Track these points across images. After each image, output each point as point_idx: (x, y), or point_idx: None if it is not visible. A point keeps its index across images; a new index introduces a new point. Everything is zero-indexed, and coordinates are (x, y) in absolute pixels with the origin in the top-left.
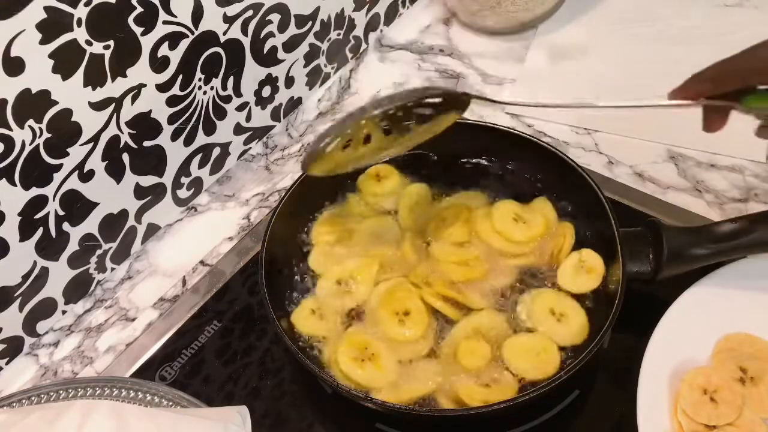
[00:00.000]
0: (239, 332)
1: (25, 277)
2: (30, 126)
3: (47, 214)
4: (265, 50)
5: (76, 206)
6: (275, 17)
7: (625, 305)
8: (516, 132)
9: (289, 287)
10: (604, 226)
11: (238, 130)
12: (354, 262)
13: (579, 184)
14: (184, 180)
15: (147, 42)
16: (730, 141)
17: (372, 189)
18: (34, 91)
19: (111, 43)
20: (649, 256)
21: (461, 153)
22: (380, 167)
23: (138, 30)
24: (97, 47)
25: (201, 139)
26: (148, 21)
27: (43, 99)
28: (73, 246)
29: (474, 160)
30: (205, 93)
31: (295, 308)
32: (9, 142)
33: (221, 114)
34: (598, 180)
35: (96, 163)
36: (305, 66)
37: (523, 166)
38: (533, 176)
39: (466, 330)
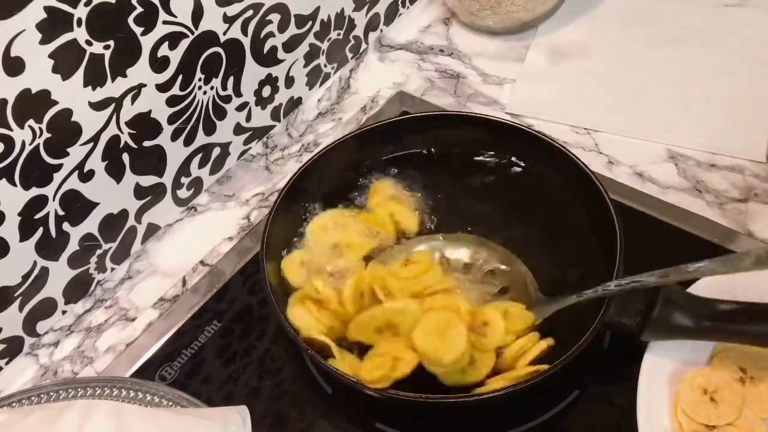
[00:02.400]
0: (239, 332)
1: (25, 277)
2: (30, 126)
3: (47, 214)
4: (265, 50)
5: (76, 206)
6: (275, 17)
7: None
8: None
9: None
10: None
11: (238, 130)
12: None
13: (594, 202)
14: (184, 180)
15: (147, 42)
16: (730, 141)
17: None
18: (34, 91)
19: (111, 43)
20: (639, 312)
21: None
22: None
23: (138, 30)
24: (97, 47)
25: (201, 139)
26: (148, 21)
27: (43, 99)
28: (73, 246)
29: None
30: (205, 93)
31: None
32: (9, 142)
33: (221, 114)
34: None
35: (96, 163)
36: (305, 66)
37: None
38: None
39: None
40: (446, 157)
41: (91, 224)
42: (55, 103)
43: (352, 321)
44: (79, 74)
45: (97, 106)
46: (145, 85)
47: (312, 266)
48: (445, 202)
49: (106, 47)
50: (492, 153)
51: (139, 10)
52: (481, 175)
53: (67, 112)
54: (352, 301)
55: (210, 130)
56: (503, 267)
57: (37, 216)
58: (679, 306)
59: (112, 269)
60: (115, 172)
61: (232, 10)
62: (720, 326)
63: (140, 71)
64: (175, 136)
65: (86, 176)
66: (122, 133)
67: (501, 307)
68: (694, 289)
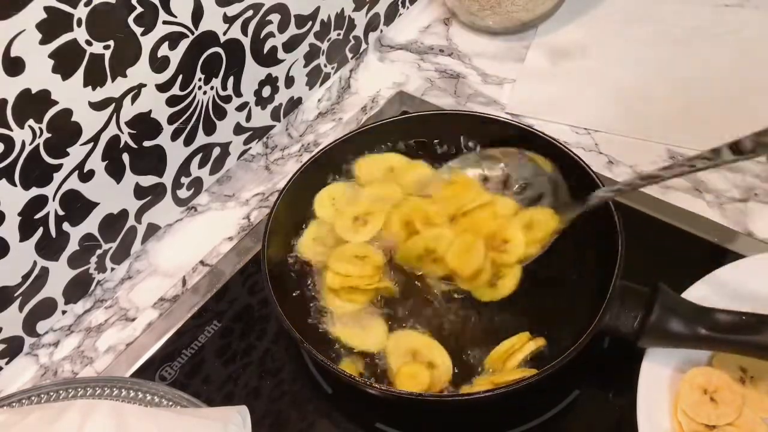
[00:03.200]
0: (239, 332)
1: (25, 277)
2: (30, 126)
3: (47, 214)
4: (265, 50)
5: (76, 206)
6: (275, 17)
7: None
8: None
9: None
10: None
11: (238, 130)
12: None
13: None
14: (184, 180)
15: (147, 42)
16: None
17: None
18: (34, 91)
19: (111, 43)
20: (635, 318)
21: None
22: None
23: (138, 30)
24: (97, 47)
25: (201, 139)
26: (148, 21)
27: (43, 99)
28: (73, 246)
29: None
30: (205, 93)
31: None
32: (9, 142)
33: (221, 114)
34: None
35: (96, 163)
36: (305, 66)
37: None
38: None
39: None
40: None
41: (91, 224)
42: (55, 103)
43: (399, 249)
44: (79, 74)
45: (97, 106)
46: (145, 85)
47: (330, 237)
48: None
49: (106, 47)
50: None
51: (139, 10)
52: None
53: (67, 112)
54: (392, 232)
55: (210, 130)
56: (537, 176)
57: (37, 216)
58: (677, 313)
59: (112, 269)
60: (115, 172)
61: (232, 10)
62: (718, 336)
63: (140, 71)
64: (175, 136)
65: (86, 176)
66: (122, 133)
67: (526, 216)
68: (694, 296)
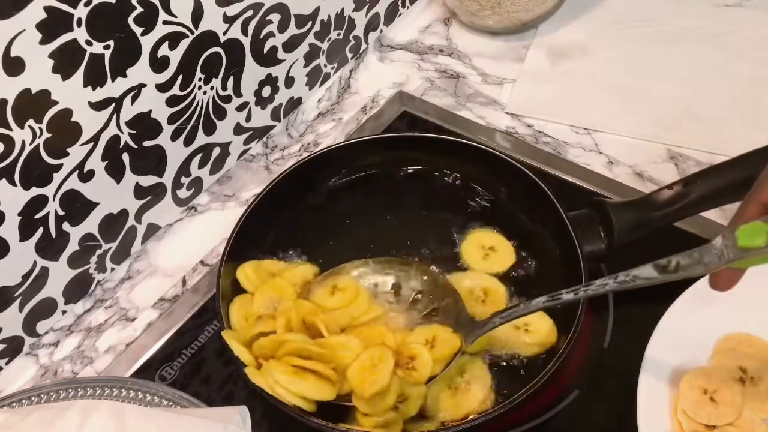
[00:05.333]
0: None
1: (25, 277)
2: (30, 126)
3: (47, 214)
4: (265, 50)
5: (76, 206)
6: (275, 17)
7: (625, 305)
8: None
9: None
10: (550, 212)
11: (238, 130)
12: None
13: (513, 174)
14: (184, 180)
15: (147, 42)
16: (730, 141)
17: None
18: (34, 91)
19: (111, 43)
20: (600, 235)
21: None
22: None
23: (138, 30)
24: (97, 47)
25: (201, 139)
26: (148, 21)
27: (43, 99)
28: (73, 246)
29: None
30: (205, 93)
31: None
32: (9, 142)
33: (221, 114)
34: (596, 180)
35: (96, 163)
36: (305, 66)
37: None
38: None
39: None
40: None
41: (91, 224)
42: (55, 103)
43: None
44: (79, 74)
45: (97, 106)
46: (145, 85)
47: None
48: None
49: (106, 47)
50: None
51: (139, 10)
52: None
53: (67, 112)
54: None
55: (210, 130)
56: (432, 288)
57: (37, 216)
58: (629, 213)
59: (112, 269)
60: (115, 172)
61: (232, 10)
62: (669, 210)
63: (140, 71)
64: (175, 136)
65: (86, 176)
66: (122, 133)
67: (429, 332)
68: (694, 296)
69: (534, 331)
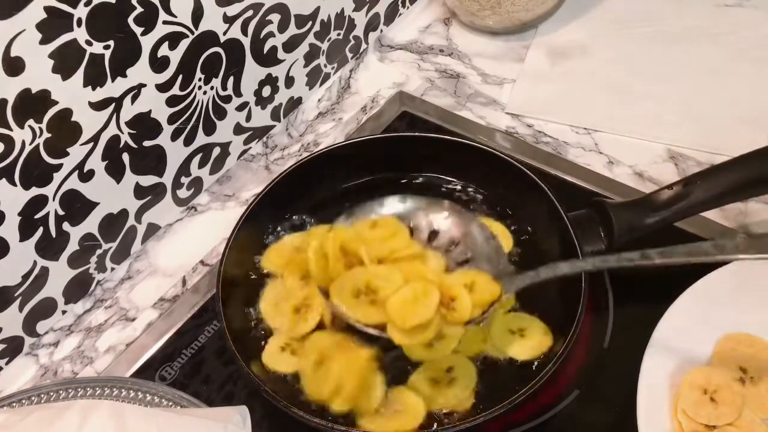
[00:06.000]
0: None
1: (25, 277)
2: (30, 126)
3: (47, 214)
4: (265, 50)
5: (76, 206)
6: (275, 17)
7: (625, 305)
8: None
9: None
10: (550, 212)
11: (238, 130)
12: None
13: (513, 174)
14: (184, 180)
15: (147, 42)
16: (730, 140)
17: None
18: (34, 91)
19: (111, 43)
20: (600, 235)
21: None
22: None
23: (138, 30)
24: (97, 47)
25: (201, 139)
26: (148, 21)
27: (43, 99)
28: (73, 246)
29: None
30: (205, 93)
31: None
32: (9, 142)
33: (221, 114)
34: (597, 180)
35: (96, 163)
36: (305, 66)
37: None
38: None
39: None
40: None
41: (91, 224)
42: (55, 103)
43: (336, 279)
44: (79, 74)
45: (97, 106)
46: (145, 85)
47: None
48: None
49: (106, 47)
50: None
51: (139, 10)
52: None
53: (67, 112)
54: (316, 264)
55: (210, 130)
56: (470, 235)
57: (37, 216)
58: (629, 213)
59: (112, 269)
60: (115, 172)
61: (232, 10)
62: (668, 212)
63: (140, 71)
64: (175, 136)
65: (86, 176)
66: (122, 133)
67: (468, 276)
68: (694, 296)
69: (529, 336)
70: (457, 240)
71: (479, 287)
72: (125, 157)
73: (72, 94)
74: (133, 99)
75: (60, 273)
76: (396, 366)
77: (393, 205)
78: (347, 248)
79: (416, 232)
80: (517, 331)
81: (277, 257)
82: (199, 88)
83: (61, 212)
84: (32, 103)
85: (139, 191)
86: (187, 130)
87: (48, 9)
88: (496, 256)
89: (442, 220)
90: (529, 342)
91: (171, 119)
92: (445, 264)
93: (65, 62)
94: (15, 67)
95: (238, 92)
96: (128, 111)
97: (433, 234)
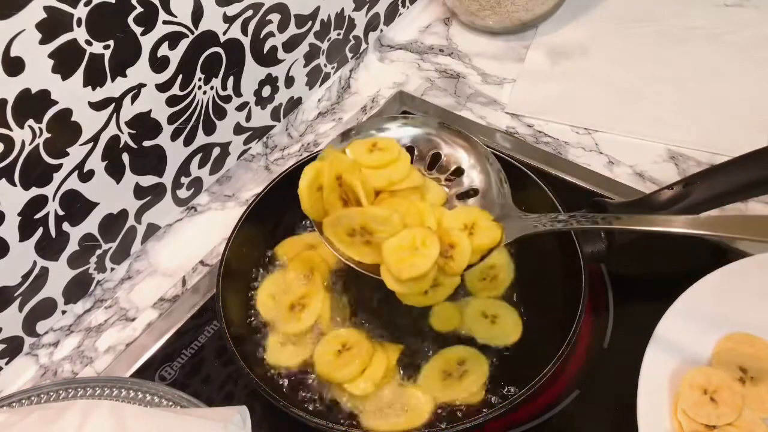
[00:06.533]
0: None
1: (25, 277)
2: (30, 126)
3: (47, 214)
4: (265, 50)
5: (76, 206)
6: (275, 17)
7: (625, 305)
8: None
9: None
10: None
11: (238, 130)
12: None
13: (513, 174)
14: (184, 180)
15: (147, 42)
16: (730, 141)
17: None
18: (34, 91)
19: (111, 43)
20: (600, 235)
21: None
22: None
23: (138, 30)
24: (97, 47)
25: (201, 139)
26: (148, 21)
27: (43, 99)
28: (72, 246)
29: None
30: (205, 93)
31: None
32: (9, 142)
33: (221, 114)
34: (597, 180)
35: (96, 163)
36: (305, 66)
37: None
38: None
39: None
40: None
41: (91, 224)
42: (55, 103)
43: (331, 214)
44: (79, 74)
45: (97, 106)
46: (145, 85)
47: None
48: None
49: (106, 47)
50: None
51: (139, 10)
52: None
53: (67, 112)
54: (307, 195)
55: (210, 130)
56: (474, 166)
57: (37, 216)
58: (630, 213)
59: (112, 269)
60: (115, 172)
61: (232, 10)
62: (669, 212)
63: (140, 71)
64: (175, 136)
65: (86, 176)
66: (122, 133)
67: (469, 215)
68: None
69: (498, 324)
70: (461, 170)
71: (480, 230)
72: (125, 157)
73: (72, 94)
74: (133, 99)
75: (60, 273)
76: (408, 358)
77: (394, 125)
78: (345, 181)
79: (419, 157)
80: (490, 316)
81: (290, 248)
82: (199, 88)
83: (60, 212)
84: (32, 103)
85: (139, 191)
86: (187, 130)
87: (48, 9)
88: (501, 193)
89: (449, 145)
90: (496, 330)
91: (171, 119)
92: (446, 195)
93: (65, 62)
94: (15, 67)
95: (238, 92)
96: (128, 111)
97: (436, 157)
